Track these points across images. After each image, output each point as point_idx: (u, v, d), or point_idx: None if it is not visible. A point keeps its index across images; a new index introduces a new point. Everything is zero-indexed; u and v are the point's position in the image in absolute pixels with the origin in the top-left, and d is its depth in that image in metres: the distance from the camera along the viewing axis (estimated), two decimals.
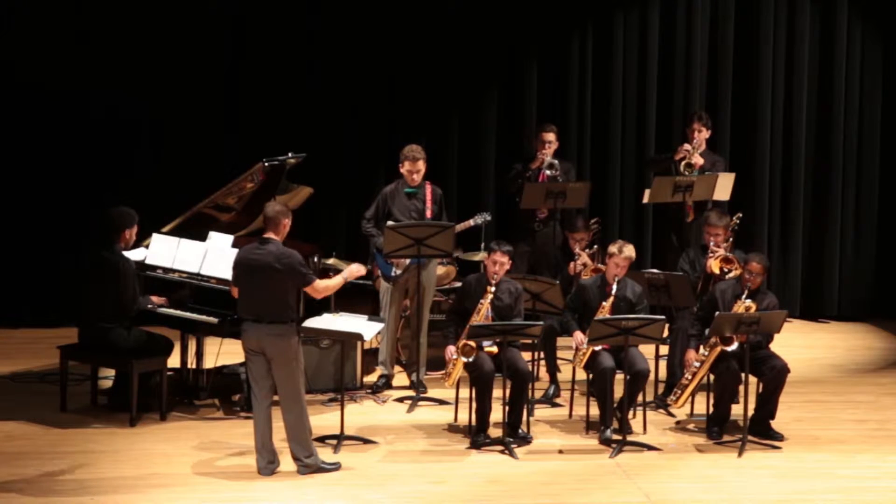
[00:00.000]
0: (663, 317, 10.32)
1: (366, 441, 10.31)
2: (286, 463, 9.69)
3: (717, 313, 10.26)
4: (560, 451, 10.31)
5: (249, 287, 9.56)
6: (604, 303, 10.70)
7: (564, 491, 9.51)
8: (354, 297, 12.33)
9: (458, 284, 11.66)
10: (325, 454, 9.89)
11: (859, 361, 13.10)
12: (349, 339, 10.82)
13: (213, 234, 11.09)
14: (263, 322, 9.49)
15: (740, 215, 12.09)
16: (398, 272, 11.63)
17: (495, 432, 10.36)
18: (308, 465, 9.63)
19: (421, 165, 11.57)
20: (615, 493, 9.50)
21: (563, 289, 11.32)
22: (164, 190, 13.08)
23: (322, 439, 10.14)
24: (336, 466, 9.74)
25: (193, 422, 10.75)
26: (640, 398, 10.69)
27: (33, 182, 13.46)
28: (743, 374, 10.40)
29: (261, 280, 9.50)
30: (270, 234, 9.62)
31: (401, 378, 11.87)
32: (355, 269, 9.93)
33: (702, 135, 12.98)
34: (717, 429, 10.57)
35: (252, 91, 13.72)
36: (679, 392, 10.68)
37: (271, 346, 9.50)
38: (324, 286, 9.71)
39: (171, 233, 11.20)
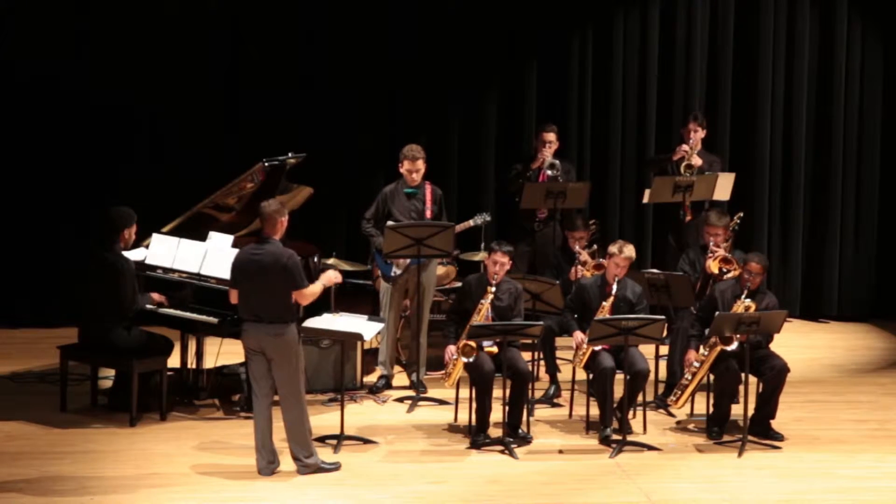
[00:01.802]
0: (663, 317, 10.33)
1: (366, 441, 10.30)
2: (286, 463, 9.69)
3: (717, 313, 10.26)
4: (560, 451, 10.31)
5: (249, 287, 9.56)
6: (604, 303, 10.70)
7: (564, 491, 9.51)
8: (354, 297, 12.34)
9: (458, 284, 11.66)
10: (325, 454, 9.89)
11: (859, 361, 13.09)
12: (349, 339, 10.81)
13: (213, 234, 11.09)
14: (263, 322, 9.48)
15: (741, 215, 12.10)
16: (398, 272, 11.63)
17: (495, 432, 10.36)
18: (308, 465, 9.63)
19: (420, 165, 11.57)
20: (615, 493, 9.50)
21: (563, 289, 11.32)
22: (164, 190, 13.08)
23: (322, 439, 10.14)
24: (336, 466, 9.74)
25: (193, 422, 10.75)
26: (640, 398, 10.70)
27: (33, 182, 13.44)
28: (743, 374, 10.41)
29: (260, 280, 9.49)
30: (268, 234, 9.61)
31: (401, 378, 11.86)
32: (332, 276, 9.93)
33: (698, 135, 13.00)
34: (717, 429, 10.57)
35: (252, 91, 13.71)
36: (679, 392, 10.68)
37: (271, 346, 9.50)
38: (310, 292, 9.67)
39: (171, 233, 11.20)
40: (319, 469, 9.66)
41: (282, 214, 9.67)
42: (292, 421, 9.59)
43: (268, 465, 9.61)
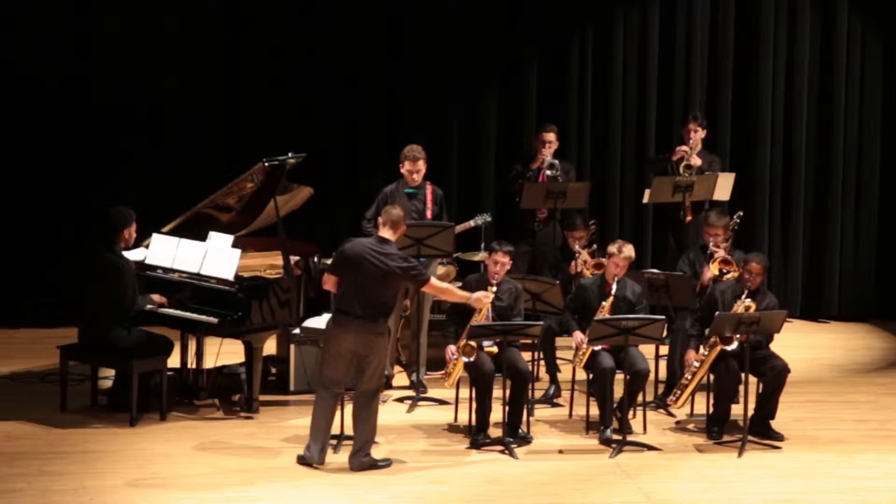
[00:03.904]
0: (663, 317, 10.33)
1: None
2: (286, 462, 9.69)
3: (717, 313, 10.26)
4: (560, 451, 10.31)
5: (358, 283, 9.59)
6: (603, 303, 10.70)
7: (564, 491, 9.51)
8: None
9: (459, 284, 11.65)
10: (327, 454, 9.88)
11: (859, 361, 13.10)
12: None
13: (213, 234, 11.08)
14: (366, 319, 9.55)
15: (741, 214, 12.09)
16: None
17: (495, 432, 10.36)
18: (364, 462, 9.69)
19: (421, 165, 11.58)
20: (615, 493, 9.50)
21: (563, 288, 11.33)
22: (164, 190, 13.07)
23: None
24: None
25: (193, 422, 10.74)
26: (640, 398, 10.70)
27: (34, 182, 13.44)
28: (743, 374, 10.41)
29: (376, 280, 9.56)
30: (390, 237, 9.71)
31: (401, 378, 11.86)
32: (482, 297, 10.22)
33: (698, 135, 13.00)
34: (717, 429, 10.57)
35: (252, 91, 13.71)
36: (679, 392, 10.67)
37: (369, 344, 9.58)
38: (440, 287, 10.13)
39: (171, 233, 11.19)
40: (374, 466, 9.72)
41: (405, 222, 9.86)
42: (369, 415, 9.69)
43: (320, 452, 9.66)
